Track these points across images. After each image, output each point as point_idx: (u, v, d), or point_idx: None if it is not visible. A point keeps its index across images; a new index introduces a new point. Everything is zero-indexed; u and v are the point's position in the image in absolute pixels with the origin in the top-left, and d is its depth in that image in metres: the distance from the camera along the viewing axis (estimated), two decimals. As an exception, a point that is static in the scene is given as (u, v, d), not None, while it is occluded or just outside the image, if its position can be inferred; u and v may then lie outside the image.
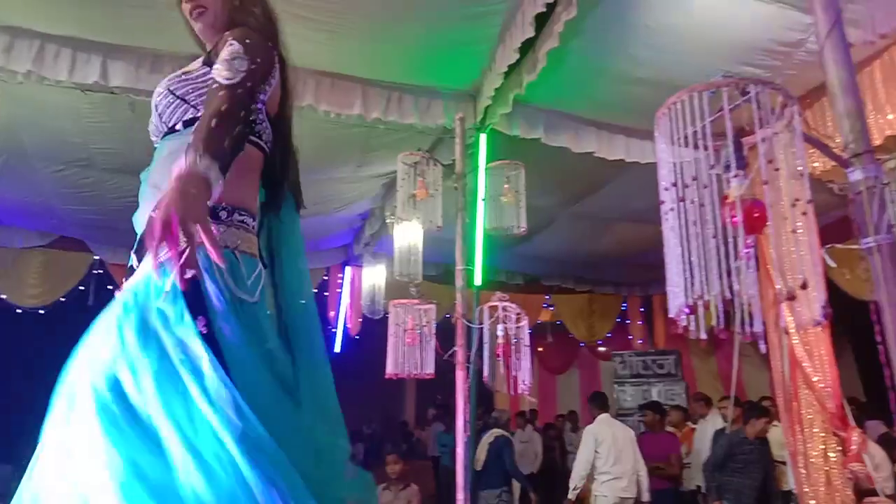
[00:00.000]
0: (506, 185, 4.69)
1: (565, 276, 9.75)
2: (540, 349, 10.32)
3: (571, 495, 5.50)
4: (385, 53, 4.49)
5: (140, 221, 1.43)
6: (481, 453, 6.19)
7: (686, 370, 10.09)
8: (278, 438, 1.16)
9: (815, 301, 1.46)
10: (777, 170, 1.36)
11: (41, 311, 8.49)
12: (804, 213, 1.38)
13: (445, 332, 5.17)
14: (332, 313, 9.52)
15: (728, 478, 5.41)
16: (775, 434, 5.52)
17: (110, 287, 8.42)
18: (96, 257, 8.40)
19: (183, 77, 1.57)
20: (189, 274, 1.16)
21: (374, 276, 7.95)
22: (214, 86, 1.38)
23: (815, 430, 4.47)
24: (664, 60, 4.21)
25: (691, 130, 1.35)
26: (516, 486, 6.79)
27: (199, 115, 1.43)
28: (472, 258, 4.82)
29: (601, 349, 11.19)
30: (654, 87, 4.32)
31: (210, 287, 1.27)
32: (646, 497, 5.44)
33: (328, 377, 1.56)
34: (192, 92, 1.52)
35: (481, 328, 4.86)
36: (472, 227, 4.87)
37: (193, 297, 1.24)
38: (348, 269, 9.31)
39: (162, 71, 4.28)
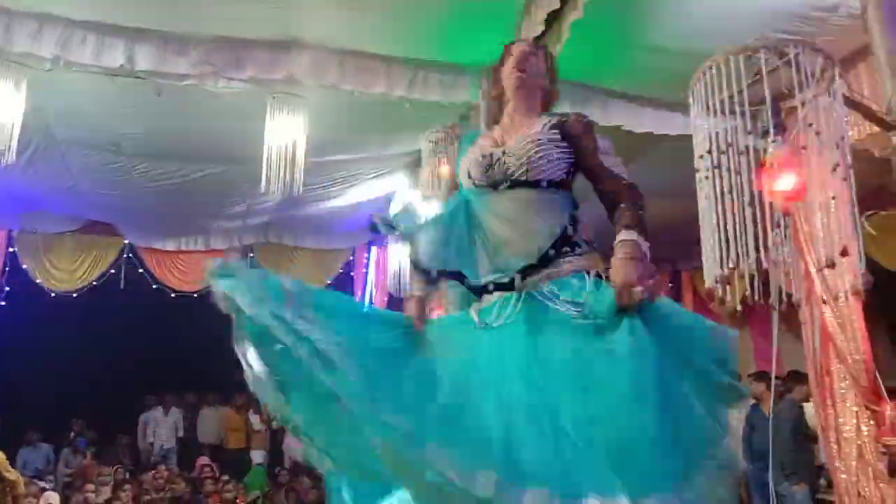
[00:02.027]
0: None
1: (591, 252, 9.64)
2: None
3: None
4: (408, 30, 4.44)
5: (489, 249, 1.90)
6: None
7: (715, 346, 9.94)
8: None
9: (850, 270, 1.42)
10: (818, 133, 1.32)
11: (74, 296, 8.52)
12: (844, 179, 1.33)
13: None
14: (358, 293, 9.57)
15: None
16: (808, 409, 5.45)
17: (140, 271, 8.54)
18: (126, 241, 8.49)
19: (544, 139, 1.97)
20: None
21: (399, 255, 7.96)
22: (623, 182, 2.04)
23: (847, 404, 4.38)
24: (693, 29, 4.10)
25: (727, 96, 1.31)
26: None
27: (556, 177, 2.00)
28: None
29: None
30: (683, 56, 4.18)
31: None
32: None
33: None
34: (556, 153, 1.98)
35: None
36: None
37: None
38: (374, 250, 9.32)
39: (187, 54, 4.28)
